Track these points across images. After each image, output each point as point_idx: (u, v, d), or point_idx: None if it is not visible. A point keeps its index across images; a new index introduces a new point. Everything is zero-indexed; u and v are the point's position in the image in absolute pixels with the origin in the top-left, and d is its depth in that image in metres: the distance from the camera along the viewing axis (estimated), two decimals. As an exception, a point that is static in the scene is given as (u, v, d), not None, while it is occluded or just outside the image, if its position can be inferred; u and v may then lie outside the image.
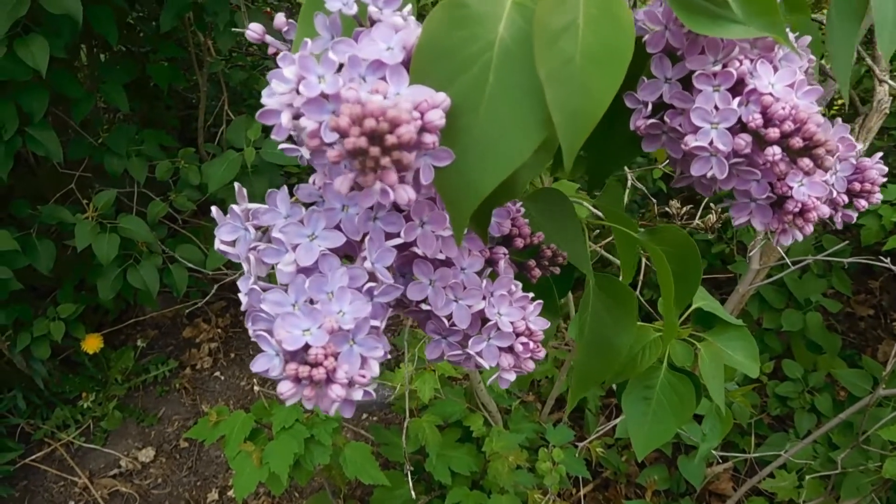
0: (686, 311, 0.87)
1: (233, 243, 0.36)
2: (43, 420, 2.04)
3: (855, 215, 0.45)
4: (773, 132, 0.33)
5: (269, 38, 0.37)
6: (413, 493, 1.50)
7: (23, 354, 1.92)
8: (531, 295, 0.40)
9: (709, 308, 0.85)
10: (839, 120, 0.46)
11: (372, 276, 0.34)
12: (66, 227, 1.84)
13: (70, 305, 1.92)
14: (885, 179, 0.44)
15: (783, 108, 0.33)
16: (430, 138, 0.29)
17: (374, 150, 0.26)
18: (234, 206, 0.36)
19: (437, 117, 0.29)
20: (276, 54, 0.36)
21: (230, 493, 1.93)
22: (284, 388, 0.31)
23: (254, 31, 0.36)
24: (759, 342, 2.06)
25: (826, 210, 0.38)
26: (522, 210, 0.44)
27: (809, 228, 0.38)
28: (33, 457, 1.99)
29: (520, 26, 0.31)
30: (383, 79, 0.30)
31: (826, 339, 1.99)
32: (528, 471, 1.55)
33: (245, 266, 0.35)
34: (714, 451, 1.82)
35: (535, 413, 1.76)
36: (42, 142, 1.73)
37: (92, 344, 1.99)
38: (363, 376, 0.32)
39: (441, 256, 0.37)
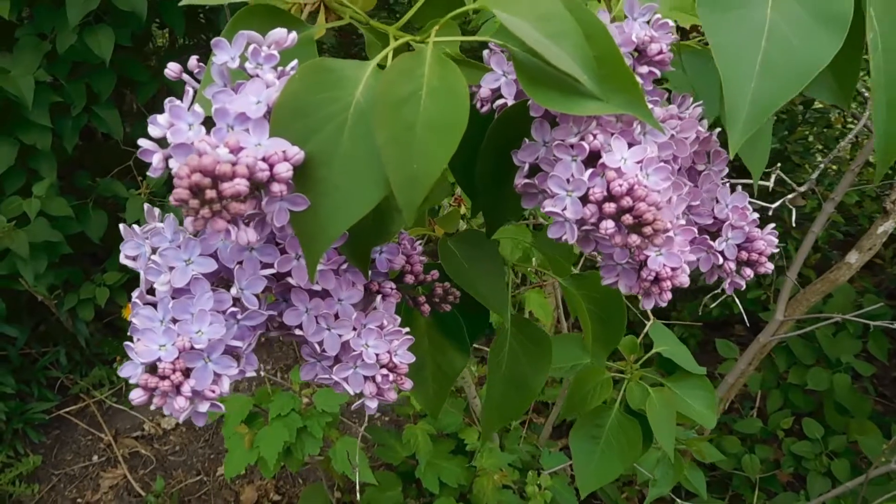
0: (646, 355, 0.88)
1: (136, 258, 0.40)
2: (81, 376, 2.17)
3: (743, 283, 0.46)
4: (609, 207, 0.35)
5: (185, 77, 0.42)
6: (404, 496, 1.54)
7: (69, 314, 2.06)
8: (405, 330, 0.43)
9: (668, 354, 0.86)
10: (739, 188, 0.47)
11: (239, 302, 0.38)
12: (120, 200, 1.96)
13: (116, 274, 2.04)
14: (774, 250, 0.46)
15: (620, 185, 0.35)
16: (277, 187, 0.33)
17: (194, 202, 0.29)
18: (135, 226, 0.40)
19: (283, 170, 0.33)
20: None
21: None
22: (134, 394, 0.35)
23: (171, 69, 0.41)
24: (783, 397, 2.01)
25: (685, 279, 0.40)
26: (420, 249, 0.48)
27: (667, 296, 0.40)
28: (68, 409, 2.12)
29: (375, 91, 0.34)
30: (248, 130, 0.34)
31: (855, 402, 1.93)
32: (517, 492, 1.56)
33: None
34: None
35: (536, 436, 1.77)
36: (106, 120, 1.85)
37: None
38: (213, 391, 0.36)
39: (317, 287, 0.41)
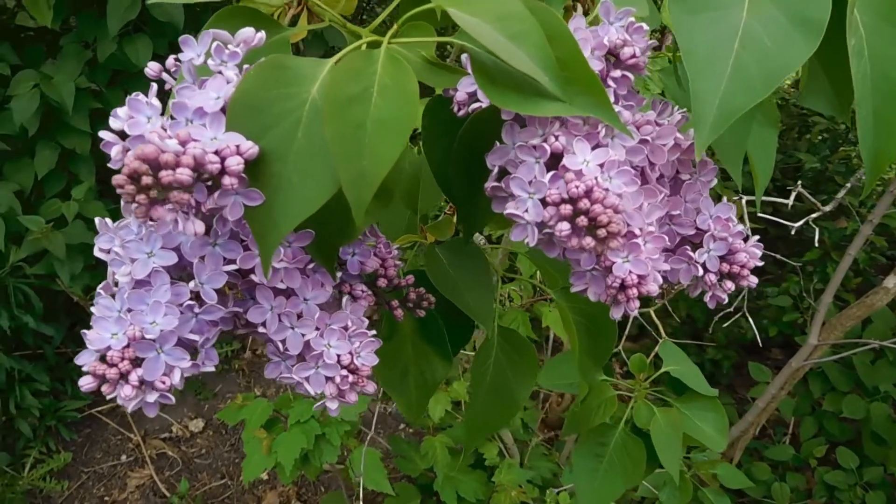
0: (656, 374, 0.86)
1: (108, 251, 0.41)
2: (113, 377, 2.22)
3: (724, 296, 0.45)
4: (565, 209, 0.34)
5: (165, 76, 0.42)
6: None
7: (104, 314, 2.10)
8: (371, 332, 0.43)
9: (677, 374, 0.83)
10: (724, 199, 0.46)
11: (198, 296, 0.38)
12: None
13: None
14: (758, 263, 0.44)
15: (577, 187, 0.34)
16: (228, 180, 0.33)
17: (130, 188, 0.30)
18: (107, 220, 0.41)
19: (234, 163, 0.33)
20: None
21: (262, 474, 2.03)
22: (84, 381, 0.35)
23: (151, 69, 0.41)
24: (817, 425, 1.94)
25: (654, 288, 0.39)
26: (396, 253, 0.47)
27: (634, 304, 0.39)
28: (99, 408, 2.17)
29: (326, 88, 0.34)
30: (205, 125, 0.35)
31: (893, 432, 1.85)
32: (534, 509, 1.54)
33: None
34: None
35: (559, 454, 1.75)
36: (143, 125, 1.89)
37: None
38: (163, 382, 0.36)
39: (283, 286, 0.41)
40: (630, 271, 0.38)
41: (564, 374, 0.90)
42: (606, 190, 0.35)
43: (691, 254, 0.44)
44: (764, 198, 1.22)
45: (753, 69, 0.35)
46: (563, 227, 0.34)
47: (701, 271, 0.44)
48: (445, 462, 1.54)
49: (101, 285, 0.39)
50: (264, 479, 2.05)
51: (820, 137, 2.19)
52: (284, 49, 0.42)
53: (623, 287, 0.38)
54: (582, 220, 0.34)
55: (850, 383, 1.88)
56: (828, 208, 1.02)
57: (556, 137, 0.37)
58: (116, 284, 0.40)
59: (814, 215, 1.02)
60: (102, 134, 0.35)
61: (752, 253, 0.44)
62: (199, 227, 0.34)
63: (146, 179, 0.30)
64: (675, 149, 0.44)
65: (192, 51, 0.37)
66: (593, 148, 0.37)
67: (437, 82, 0.41)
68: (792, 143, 2.44)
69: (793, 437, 2.03)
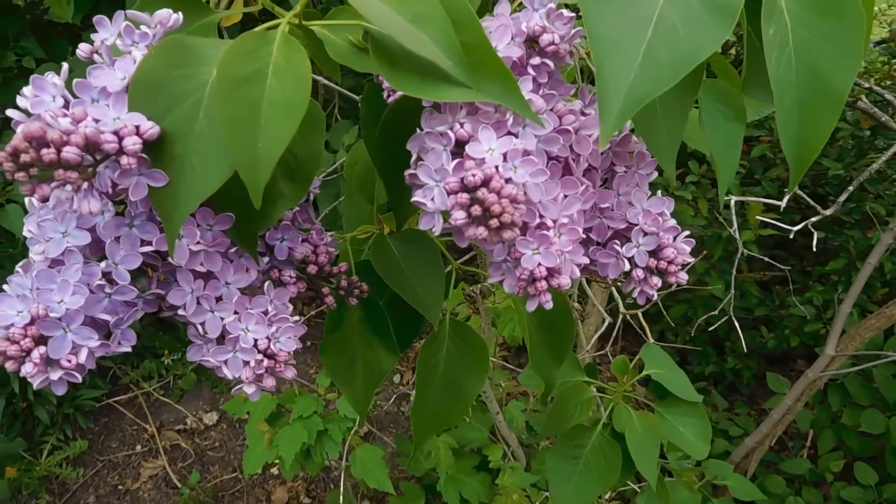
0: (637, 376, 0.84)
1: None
2: (132, 368, 2.27)
3: (652, 293, 0.44)
4: (462, 197, 0.34)
5: (95, 57, 0.43)
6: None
7: (124, 307, 2.15)
8: (293, 319, 0.43)
9: (659, 378, 0.82)
10: (659, 193, 0.45)
11: (110, 276, 0.39)
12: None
13: (169, 270, 2.12)
14: (687, 260, 0.43)
15: (473, 176, 0.34)
16: (126, 160, 0.34)
17: (9, 165, 0.30)
18: (33, 200, 0.41)
19: (131, 143, 0.33)
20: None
21: (273, 469, 2.05)
22: (-14, 357, 0.36)
23: (82, 50, 0.42)
24: (836, 438, 1.89)
25: (565, 281, 0.38)
26: (327, 239, 0.47)
27: (544, 297, 0.38)
28: (117, 398, 2.21)
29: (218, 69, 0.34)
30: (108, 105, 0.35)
31: (916, 449, 1.79)
32: (535, 513, 1.53)
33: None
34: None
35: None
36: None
37: (182, 308, 2.19)
38: (69, 361, 0.37)
39: (202, 269, 0.41)
40: (539, 263, 0.37)
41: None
42: (508, 180, 0.35)
43: (619, 248, 0.43)
44: (774, 202, 1.18)
45: (664, 56, 0.34)
46: (459, 216, 0.34)
47: (628, 266, 0.43)
48: (448, 463, 1.53)
49: (20, 263, 0.40)
50: (274, 474, 2.07)
51: (847, 145, 2.13)
52: (211, 31, 0.42)
53: (533, 279, 0.38)
54: (476, 210, 0.33)
55: (871, 397, 1.82)
56: (828, 212, 0.99)
57: (462, 124, 0.36)
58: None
59: (814, 219, 0.99)
60: (10, 112, 0.35)
61: (680, 249, 0.43)
62: (95, 205, 0.34)
63: (24, 157, 0.30)
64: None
65: (106, 31, 0.38)
66: (502, 137, 0.36)
67: (363, 67, 0.41)
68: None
69: (811, 451, 1.97)
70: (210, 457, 2.12)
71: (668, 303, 2.22)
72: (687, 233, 0.43)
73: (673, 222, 0.43)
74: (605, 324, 1.30)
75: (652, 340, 0.91)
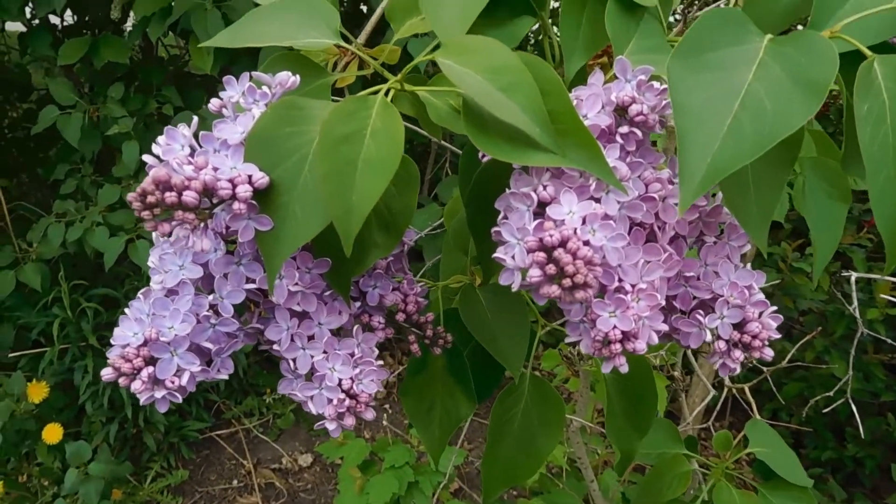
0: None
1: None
2: (235, 403, 2.37)
3: (735, 366, 0.43)
4: (539, 256, 0.35)
5: (223, 111, 0.48)
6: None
7: (234, 344, 2.27)
8: (378, 363, 0.45)
9: (763, 456, 0.78)
10: (749, 266, 0.44)
11: (215, 308, 0.43)
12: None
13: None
14: (773, 336, 0.42)
15: (550, 236, 0.35)
16: (237, 206, 0.37)
17: (137, 205, 0.34)
18: (156, 236, 0.46)
19: (243, 191, 0.37)
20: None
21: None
22: (104, 372, 0.40)
23: (213, 104, 0.47)
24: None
25: (641, 346, 0.38)
26: (417, 289, 0.50)
27: (619, 360, 0.38)
28: (219, 432, 2.31)
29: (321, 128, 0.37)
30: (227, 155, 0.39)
31: None
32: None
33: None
34: None
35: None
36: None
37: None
38: (172, 382, 0.41)
39: (299, 309, 0.44)
40: (614, 326, 0.38)
41: (645, 443, 0.87)
42: (586, 242, 0.36)
43: (701, 318, 0.43)
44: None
45: (748, 129, 0.35)
46: (535, 274, 0.35)
47: (709, 336, 0.42)
48: (534, 529, 1.50)
49: (141, 290, 0.44)
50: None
51: None
52: (325, 92, 0.47)
53: (608, 341, 0.38)
54: (551, 269, 0.35)
55: None
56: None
57: (545, 187, 0.38)
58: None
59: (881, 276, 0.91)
60: (145, 158, 0.40)
61: (766, 324, 0.42)
62: (207, 244, 0.38)
63: (150, 198, 0.34)
64: (692, 209, 0.44)
65: (233, 90, 0.42)
66: (584, 200, 0.38)
67: (460, 129, 0.44)
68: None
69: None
70: (302, 498, 2.16)
71: (782, 380, 2.10)
72: (774, 308, 0.42)
73: (761, 297, 0.43)
74: (710, 396, 1.25)
75: (759, 417, 0.87)
